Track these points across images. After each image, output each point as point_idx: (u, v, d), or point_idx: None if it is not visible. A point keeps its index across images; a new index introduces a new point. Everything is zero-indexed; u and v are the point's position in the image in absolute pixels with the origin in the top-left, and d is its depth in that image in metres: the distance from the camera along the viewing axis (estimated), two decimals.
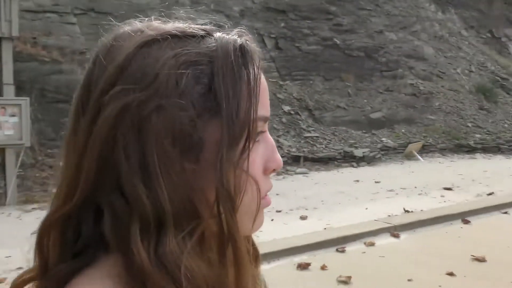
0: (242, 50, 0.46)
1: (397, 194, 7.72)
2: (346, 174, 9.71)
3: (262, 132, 0.48)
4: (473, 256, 3.62)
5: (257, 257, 0.54)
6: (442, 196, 7.37)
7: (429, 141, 13.08)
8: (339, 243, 4.13)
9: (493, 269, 3.39)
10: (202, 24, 0.49)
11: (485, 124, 14.88)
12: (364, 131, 12.92)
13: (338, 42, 14.52)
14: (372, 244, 4.16)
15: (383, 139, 12.79)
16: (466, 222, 4.82)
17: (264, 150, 0.48)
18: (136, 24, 0.47)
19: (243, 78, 0.44)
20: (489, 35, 22.31)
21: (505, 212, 5.22)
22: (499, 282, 3.14)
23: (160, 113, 0.41)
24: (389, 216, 5.41)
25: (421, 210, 5.63)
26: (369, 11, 16.51)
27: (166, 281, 0.39)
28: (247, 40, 0.48)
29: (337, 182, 8.72)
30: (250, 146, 0.44)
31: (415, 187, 8.21)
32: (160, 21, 0.48)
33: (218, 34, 0.47)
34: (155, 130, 0.41)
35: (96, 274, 0.42)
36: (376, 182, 8.88)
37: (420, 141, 12.82)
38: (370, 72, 14.87)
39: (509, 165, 11.31)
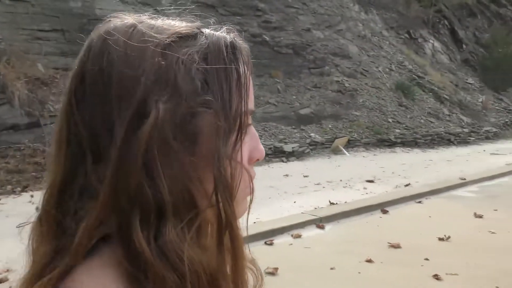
0: (232, 47, 0.48)
1: (323, 187, 8.02)
2: (276, 169, 9.90)
3: (249, 124, 0.50)
4: (389, 243, 3.87)
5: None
6: (365, 188, 7.77)
7: (354, 136, 13.69)
8: (267, 236, 4.22)
9: (406, 254, 3.65)
10: (187, 20, 0.50)
11: (404, 119, 15.87)
12: (293, 126, 13.24)
13: (267, 39, 14.73)
14: (299, 236, 4.29)
15: (312, 134, 13.20)
16: (385, 212, 5.13)
17: (250, 141, 0.50)
18: (126, 18, 0.48)
19: (234, 74, 0.47)
20: (407, 35, 23.79)
21: (419, 202, 5.62)
22: (411, 266, 3.39)
23: (163, 108, 0.42)
24: (316, 208, 5.62)
25: (345, 202, 5.91)
26: (296, 9, 16.92)
27: (167, 269, 0.41)
28: (235, 37, 0.50)
29: (267, 177, 8.87)
30: (242, 137, 0.46)
31: (341, 180, 8.58)
32: (147, 16, 0.49)
33: (207, 31, 0.49)
34: (158, 124, 0.42)
35: (97, 262, 0.43)
36: (304, 176, 9.15)
37: (345, 136, 13.38)
38: (299, 69, 15.27)
39: (425, 158, 12.17)
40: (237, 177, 0.45)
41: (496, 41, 25.29)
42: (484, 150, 13.94)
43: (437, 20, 26.75)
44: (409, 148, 13.80)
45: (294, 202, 6.74)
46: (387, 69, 18.74)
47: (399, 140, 14.15)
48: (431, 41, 24.98)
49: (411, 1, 25.34)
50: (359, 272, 3.28)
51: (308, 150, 12.13)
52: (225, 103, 0.45)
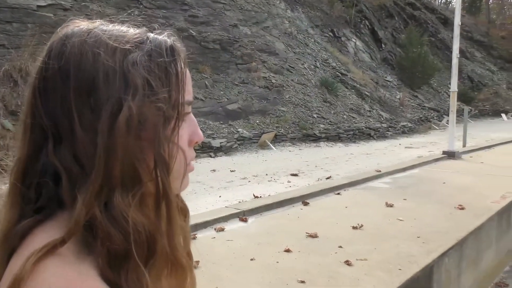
0: (171, 49, 0.58)
1: (249, 181, 8.16)
2: (204, 164, 9.90)
3: (188, 113, 0.60)
4: (307, 233, 4.04)
5: (185, 212, 0.68)
6: (289, 181, 8.02)
7: (280, 131, 14.04)
8: (191, 231, 4.23)
9: (322, 243, 3.84)
10: (136, 26, 0.60)
11: (328, 115, 16.52)
12: (221, 122, 13.29)
13: (194, 33, 14.61)
14: (222, 230, 4.34)
15: (239, 129, 13.33)
16: (306, 203, 5.34)
17: (189, 127, 0.61)
18: (82, 24, 0.58)
19: (173, 71, 0.57)
20: (331, 34, 24.71)
21: (338, 193, 5.91)
22: (326, 253, 3.58)
23: (114, 102, 0.52)
24: (240, 202, 5.71)
25: (269, 195, 6.06)
26: (223, 4, 16.93)
27: (114, 229, 0.51)
28: (175, 41, 0.60)
29: (194, 172, 8.76)
30: (180, 124, 0.56)
31: (266, 174, 8.79)
32: (100, 22, 0.59)
33: (152, 36, 0.59)
34: (112, 114, 0.52)
35: (54, 224, 0.52)
36: (231, 171, 9.25)
37: (272, 131, 13.69)
38: (226, 65, 15.31)
39: (347, 152, 12.78)
40: (173, 157, 0.55)
41: (411, 42, 27.04)
42: (400, 144, 14.92)
43: (359, 20, 28.07)
44: (332, 143, 14.42)
45: (220, 196, 6.80)
46: (312, 66, 19.35)
47: (323, 135, 14.71)
48: (353, 40, 26.15)
49: (335, 1, 26.33)
50: (277, 262, 3.41)
51: (236, 145, 12.24)
52: (165, 95, 0.55)
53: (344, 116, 16.94)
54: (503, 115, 29.63)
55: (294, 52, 19.18)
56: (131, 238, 0.51)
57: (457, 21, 9.72)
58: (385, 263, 3.37)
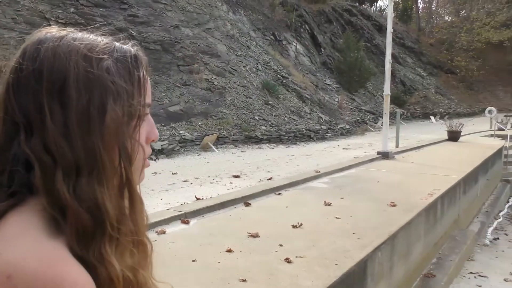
0: (135, 58, 0.66)
1: (191, 184, 8.13)
2: None
3: (147, 113, 0.68)
4: (249, 233, 4.11)
5: (142, 201, 0.73)
6: (231, 183, 8.08)
7: (223, 133, 14.08)
8: None
9: (263, 242, 3.93)
10: (104, 35, 0.67)
11: (270, 117, 16.79)
12: (162, 124, 13.10)
13: (134, 33, 14.29)
14: (163, 232, 4.31)
15: (181, 131, 13.21)
16: (247, 204, 5.41)
17: (147, 126, 0.69)
18: (54, 30, 0.65)
19: (136, 77, 0.65)
20: (272, 37, 25.12)
21: (279, 194, 6.04)
22: (267, 252, 3.66)
23: (85, 101, 0.59)
24: (181, 204, 5.68)
25: (211, 197, 6.08)
26: (164, 4, 16.70)
27: (82, 210, 0.57)
28: (138, 51, 0.68)
29: None
30: (140, 123, 0.65)
31: (208, 176, 8.79)
32: (70, 30, 0.66)
33: (117, 45, 0.66)
34: (82, 112, 0.59)
35: (26, 208, 0.58)
36: (173, 173, 9.16)
37: (215, 133, 13.70)
38: (168, 66, 15.11)
39: (288, 153, 13.06)
40: (135, 150, 0.64)
41: (349, 47, 28.11)
42: (338, 145, 15.47)
43: (299, 25, 28.77)
44: (274, 144, 14.67)
45: (161, 199, 6.72)
46: (254, 69, 19.57)
47: (265, 137, 14.93)
48: (294, 43, 26.75)
49: (276, 5, 26.80)
50: (219, 262, 3.44)
51: (177, 148, 12.12)
52: (129, 98, 0.63)
53: (285, 118, 17.29)
54: (432, 117, 31.57)
55: (236, 55, 19.30)
56: (98, 218, 0.59)
57: (389, 28, 10.26)
58: (323, 259, 3.51)
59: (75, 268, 0.55)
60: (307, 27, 29.59)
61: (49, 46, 0.61)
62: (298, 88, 21.06)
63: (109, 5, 14.28)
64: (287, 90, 20.07)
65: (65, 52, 0.61)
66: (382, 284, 4.01)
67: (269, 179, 7.98)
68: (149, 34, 15.07)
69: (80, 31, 0.66)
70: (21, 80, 0.61)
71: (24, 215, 0.58)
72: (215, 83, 16.11)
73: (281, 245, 3.83)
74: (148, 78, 0.69)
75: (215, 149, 12.83)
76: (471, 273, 6.25)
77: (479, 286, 5.79)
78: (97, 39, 0.65)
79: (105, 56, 0.63)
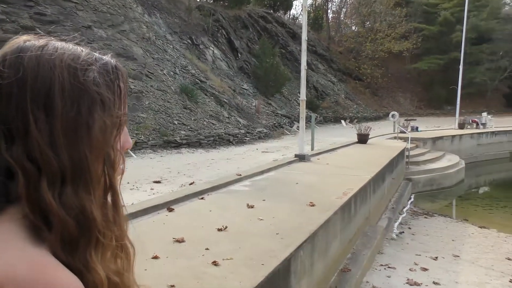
0: (116, 68, 0.69)
1: None
2: None
3: (126, 123, 0.70)
4: (174, 238, 4.09)
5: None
6: (152, 189, 7.92)
7: (141, 138, 13.71)
8: None
9: (189, 247, 3.93)
10: (81, 45, 0.69)
11: (189, 121, 16.67)
12: None
13: (41, 33, 13.42)
14: None
15: None
16: (171, 210, 5.36)
17: (124, 135, 0.70)
18: (33, 38, 0.66)
19: (117, 88, 0.67)
20: (189, 41, 24.97)
21: (202, 198, 6.06)
22: (194, 257, 3.68)
23: (69, 111, 0.61)
24: None
25: (132, 204, 5.92)
26: (75, 4, 15.88)
27: (68, 217, 0.58)
28: (116, 62, 0.70)
29: None
30: (121, 132, 0.67)
31: (128, 183, 8.51)
32: (49, 39, 0.67)
33: (97, 55, 0.68)
34: (67, 121, 0.61)
35: (5, 217, 0.58)
36: None
37: (132, 138, 13.29)
38: None
39: (208, 158, 13.07)
40: (117, 158, 0.67)
41: (265, 52, 28.81)
42: (257, 149, 15.79)
43: (216, 29, 28.92)
44: (194, 149, 14.59)
45: None
46: (171, 73, 19.31)
47: (184, 141, 14.80)
48: (211, 48, 26.83)
49: (192, 9, 26.68)
50: (146, 269, 3.39)
51: None
52: (111, 108, 0.65)
53: (204, 123, 17.28)
54: (342, 121, 33.45)
55: (153, 58, 18.91)
56: (85, 225, 0.60)
57: (304, 36, 10.73)
58: (249, 260, 3.61)
59: (66, 273, 0.56)
60: (224, 32, 29.84)
61: (32, 55, 0.61)
62: (216, 93, 21.16)
63: (12, 1, 13.26)
64: (206, 95, 20.07)
65: (49, 62, 0.61)
66: (304, 280, 4.21)
67: (191, 183, 7.95)
68: (59, 34, 14.15)
69: (59, 40, 0.67)
70: (2, 88, 0.60)
71: (5, 225, 0.57)
72: (132, 86, 15.64)
73: (207, 249, 3.87)
74: (126, 89, 0.71)
75: (133, 155, 12.46)
76: (382, 265, 6.77)
77: (389, 276, 6.28)
78: (77, 49, 0.66)
79: (89, 66, 0.64)
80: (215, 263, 3.50)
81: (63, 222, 0.58)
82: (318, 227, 4.67)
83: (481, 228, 10.21)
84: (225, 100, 21.18)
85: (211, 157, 13.03)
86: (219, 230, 4.43)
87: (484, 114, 29.67)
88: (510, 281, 6.50)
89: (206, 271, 3.37)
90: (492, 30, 49.38)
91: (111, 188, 0.67)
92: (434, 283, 6.14)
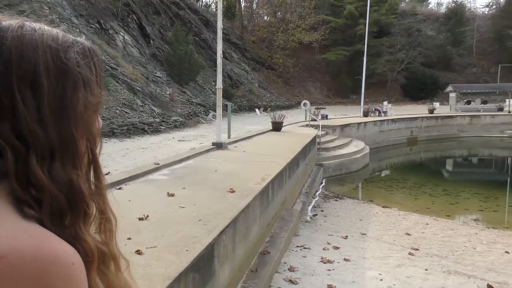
0: (92, 50, 0.71)
1: None
2: None
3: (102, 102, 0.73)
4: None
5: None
6: None
7: None
8: None
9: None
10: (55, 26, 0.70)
11: (101, 110, 15.91)
12: None
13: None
14: None
15: None
16: None
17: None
18: (7, 18, 0.65)
19: (95, 68, 0.69)
20: (98, 26, 23.70)
21: (120, 188, 5.90)
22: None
23: (55, 89, 0.63)
24: None
25: None
26: None
27: (58, 191, 0.61)
28: (89, 43, 0.72)
29: None
30: (99, 110, 0.70)
31: None
32: (23, 19, 0.67)
33: (73, 38, 0.69)
34: (51, 100, 0.63)
35: None
36: None
37: None
38: None
39: (122, 147, 12.64)
40: (97, 134, 0.70)
41: (178, 40, 28.30)
42: (173, 138, 15.58)
43: (126, 14, 27.74)
44: (107, 138, 14.00)
45: None
46: None
47: None
48: (121, 33, 25.71)
49: None
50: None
51: None
52: (92, 87, 0.67)
53: (117, 111, 16.63)
54: (256, 110, 34.10)
55: None
56: (74, 199, 0.63)
57: (219, 24, 10.76)
58: (173, 246, 3.63)
59: (63, 243, 0.58)
60: (135, 17, 28.74)
61: (14, 35, 0.62)
62: (129, 80, 20.41)
63: None
64: (117, 82, 19.27)
65: (31, 42, 0.62)
66: (227, 264, 4.32)
67: (106, 174, 7.65)
68: None
69: (31, 21, 0.67)
70: None
71: None
72: None
73: (129, 238, 3.81)
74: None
75: None
76: (298, 246, 7.13)
77: (304, 256, 6.64)
78: (53, 30, 0.67)
79: (68, 48, 0.66)
80: (138, 252, 3.47)
81: (54, 196, 0.60)
82: (239, 212, 4.80)
83: (384, 207, 11.14)
84: (138, 88, 20.52)
85: (126, 147, 12.61)
86: (140, 219, 4.38)
87: (385, 103, 32.09)
88: (409, 254, 7.22)
89: (130, 260, 3.29)
90: (391, 25, 53.30)
91: (94, 162, 0.70)
92: (345, 259, 6.62)
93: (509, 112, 32.06)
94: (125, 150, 11.87)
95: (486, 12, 61.87)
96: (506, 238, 8.68)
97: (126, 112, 17.07)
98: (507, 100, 34.57)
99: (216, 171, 7.33)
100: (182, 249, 3.60)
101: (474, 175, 20.10)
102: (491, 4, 62.89)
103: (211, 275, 3.83)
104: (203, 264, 3.64)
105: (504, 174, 20.56)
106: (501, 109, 33.12)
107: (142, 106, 19.06)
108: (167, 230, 4.07)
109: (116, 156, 10.65)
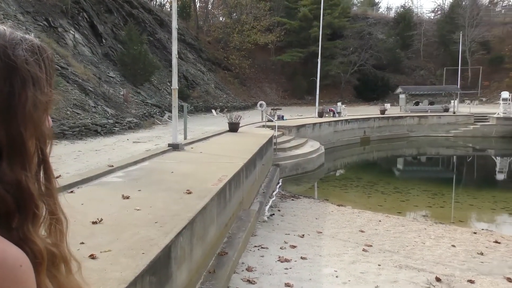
0: (42, 48, 0.69)
1: None
2: None
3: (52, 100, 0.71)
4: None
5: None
6: None
7: None
8: None
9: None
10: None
11: (51, 109, 15.30)
12: None
13: None
14: None
15: None
16: None
17: None
18: None
19: (43, 66, 0.68)
20: (46, 23, 22.79)
21: (72, 191, 5.70)
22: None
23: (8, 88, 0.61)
24: None
25: None
26: None
27: (5, 192, 0.59)
28: (41, 42, 0.70)
29: None
30: (49, 109, 0.69)
31: None
32: None
33: (21, 35, 0.67)
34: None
35: None
36: None
37: None
38: None
39: (74, 149, 12.21)
40: (48, 134, 0.69)
41: (132, 39, 27.69)
42: (128, 139, 15.23)
43: (76, 12, 26.83)
44: (57, 140, 13.47)
45: None
46: None
47: None
48: (71, 32, 24.84)
49: None
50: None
51: None
52: (42, 85, 0.66)
53: (68, 112, 16.05)
54: (213, 110, 33.96)
55: None
56: (22, 200, 0.60)
57: (174, 24, 10.63)
58: (129, 250, 3.56)
59: (10, 245, 0.57)
60: (86, 15, 27.85)
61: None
62: (80, 80, 19.75)
63: None
64: (68, 82, 18.60)
65: (9, 43, 0.62)
66: (185, 266, 4.29)
67: (57, 177, 7.35)
68: None
69: None
70: None
71: None
72: None
73: (82, 243, 3.69)
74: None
75: None
76: (255, 246, 7.16)
77: (262, 256, 6.69)
78: (14, 32, 0.66)
79: (17, 45, 0.64)
80: (92, 256, 3.38)
81: (1, 197, 0.59)
82: (196, 214, 4.77)
83: (339, 206, 11.41)
84: (90, 88, 19.90)
85: (77, 149, 12.20)
86: (94, 223, 4.26)
87: (339, 103, 32.86)
88: (363, 250, 7.43)
89: (83, 265, 3.20)
90: (344, 28, 54.65)
91: (44, 162, 0.68)
92: (302, 258, 6.72)
93: (454, 113, 33.71)
94: (77, 153, 11.47)
95: (432, 17, 64.69)
96: (452, 232, 9.12)
97: (78, 113, 16.52)
98: (452, 101, 36.36)
99: (172, 172, 7.24)
100: (138, 252, 3.53)
101: (422, 173, 21.01)
102: (436, 9, 65.86)
103: (169, 277, 3.79)
104: (160, 266, 3.59)
105: (450, 171, 21.59)
106: (446, 110, 34.74)
107: (94, 107, 18.50)
108: (122, 233, 3.98)
109: (67, 159, 10.27)
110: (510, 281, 6.18)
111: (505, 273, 6.54)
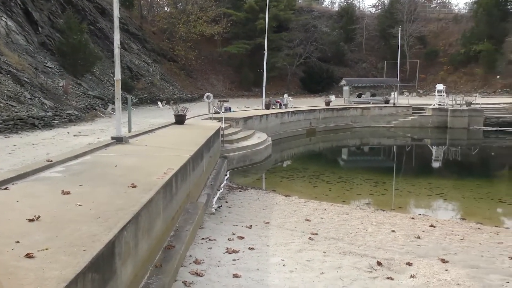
0: None
1: None
2: None
3: None
4: None
5: None
6: None
7: None
8: None
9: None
10: None
11: None
12: None
13: None
14: None
15: None
16: None
17: None
18: None
19: None
20: None
21: (6, 188, 5.37)
22: (1, 252, 3.29)
23: None
24: None
25: None
26: None
27: None
28: None
29: None
30: None
31: None
32: None
33: None
34: None
35: None
36: None
37: None
38: None
39: (9, 144, 11.53)
40: None
41: (71, 28, 26.45)
42: (68, 133, 14.58)
43: None
44: None
45: None
46: None
47: None
48: (3, 19, 23.33)
49: None
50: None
51: None
52: None
53: (1, 105, 15.10)
54: (159, 102, 33.27)
55: None
56: None
57: (116, 13, 10.25)
58: (69, 247, 3.41)
59: None
60: (19, 1, 26.22)
61: None
62: (14, 71, 18.62)
63: None
64: (1, 73, 17.48)
65: None
66: (130, 261, 4.18)
67: None
68: None
69: None
70: None
71: None
72: None
73: (18, 242, 3.50)
74: None
75: None
76: (203, 238, 7.13)
77: (210, 248, 6.67)
78: None
79: None
80: (29, 256, 3.20)
81: None
82: (141, 207, 4.66)
83: (285, 196, 11.59)
84: (26, 79, 18.82)
85: (12, 143, 11.51)
86: (31, 220, 4.04)
87: (286, 95, 33.28)
88: (309, 238, 7.61)
89: (19, 265, 3.06)
90: (289, 20, 55.27)
91: None
92: (250, 248, 6.77)
93: (394, 104, 35.18)
94: (12, 147, 10.83)
95: (373, 12, 66.92)
96: (392, 218, 9.56)
97: (12, 106, 15.58)
98: (392, 93, 37.94)
99: (116, 166, 7.01)
100: (79, 249, 3.39)
101: (365, 163, 21.81)
102: (377, 4, 68.15)
103: (113, 274, 3.68)
104: (103, 263, 3.48)
105: (390, 160, 22.57)
106: (387, 102, 36.19)
107: (31, 99, 17.53)
108: (62, 230, 3.81)
109: (1, 154, 9.67)
110: (444, 262, 6.58)
111: (440, 254, 6.95)
